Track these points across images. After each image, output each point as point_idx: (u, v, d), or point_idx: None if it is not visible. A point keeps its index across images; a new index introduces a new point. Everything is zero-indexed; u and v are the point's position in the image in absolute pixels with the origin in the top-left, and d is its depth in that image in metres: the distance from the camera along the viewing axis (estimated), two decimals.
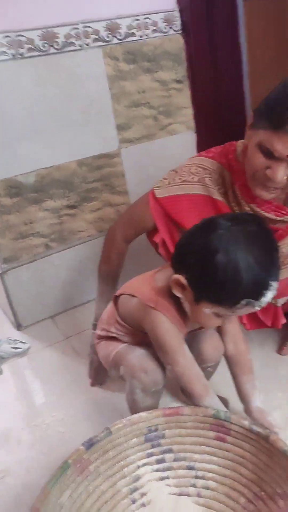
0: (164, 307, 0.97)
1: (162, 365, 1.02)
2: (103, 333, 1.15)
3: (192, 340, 1.11)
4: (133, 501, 0.92)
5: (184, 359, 0.98)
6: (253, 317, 1.31)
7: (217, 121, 1.81)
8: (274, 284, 0.85)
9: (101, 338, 1.17)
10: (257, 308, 0.87)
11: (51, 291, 1.71)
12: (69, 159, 1.60)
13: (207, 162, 1.22)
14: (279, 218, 1.16)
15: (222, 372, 1.17)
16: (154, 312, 0.97)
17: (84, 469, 0.89)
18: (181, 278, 0.91)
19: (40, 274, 1.67)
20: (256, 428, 0.87)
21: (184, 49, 1.70)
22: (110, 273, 1.35)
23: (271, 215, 1.16)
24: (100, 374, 1.35)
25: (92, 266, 1.71)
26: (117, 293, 1.11)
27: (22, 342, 1.59)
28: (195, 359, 1.07)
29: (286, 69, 1.68)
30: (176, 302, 0.97)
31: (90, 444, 0.89)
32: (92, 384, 1.37)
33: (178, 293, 0.93)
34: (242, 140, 1.21)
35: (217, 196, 1.18)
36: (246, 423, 0.88)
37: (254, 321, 1.32)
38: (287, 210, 1.15)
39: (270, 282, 0.85)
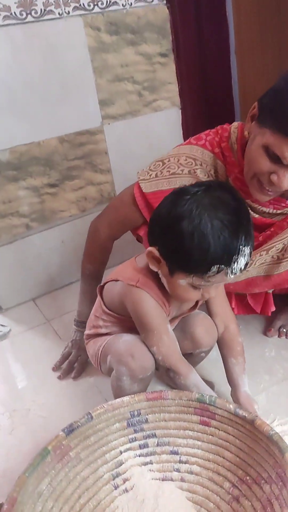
0: (146, 284, 0.95)
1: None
2: (91, 332, 1.12)
3: (185, 325, 1.09)
4: (116, 487, 0.91)
5: (168, 338, 0.97)
6: (242, 302, 1.29)
7: (203, 97, 1.76)
8: (246, 250, 0.83)
9: (89, 337, 1.13)
10: (232, 277, 0.85)
11: (32, 272, 1.67)
12: (49, 136, 1.54)
13: (198, 151, 1.14)
14: (278, 211, 1.12)
15: (208, 356, 1.16)
16: (136, 289, 0.95)
17: (64, 456, 0.87)
18: (154, 250, 0.90)
19: (20, 255, 1.62)
20: (241, 412, 0.85)
21: (169, 21, 1.64)
22: (93, 273, 1.29)
23: (269, 209, 1.12)
24: (75, 368, 1.31)
25: (75, 246, 1.67)
26: (102, 283, 1.09)
27: (2, 325, 1.55)
28: (189, 345, 1.06)
29: (274, 44, 1.63)
30: (158, 282, 0.95)
31: (70, 430, 0.87)
32: (61, 378, 1.31)
33: (154, 267, 0.92)
34: (236, 124, 1.14)
35: None
36: (231, 407, 0.86)
37: (243, 307, 1.30)
38: (287, 202, 1.11)
39: (240, 246, 0.82)
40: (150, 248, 0.90)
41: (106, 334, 1.09)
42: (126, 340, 1.00)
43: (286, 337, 1.35)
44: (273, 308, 1.29)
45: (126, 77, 1.63)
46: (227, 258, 0.82)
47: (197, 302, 1.06)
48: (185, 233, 0.82)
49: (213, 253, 0.81)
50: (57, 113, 1.53)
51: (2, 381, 1.38)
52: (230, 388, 1.07)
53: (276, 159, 0.95)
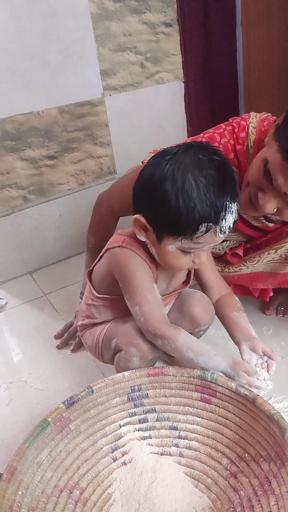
0: (132, 244, 0.92)
1: None
2: (85, 322, 1.09)
3: (182, 306, 1.07)
4: (114, 459, 0.91)
5: (153, 298, 0.92)
6: (242, 286, 1.28)
7: (207, 71, 1.72)
8: (233, 206, 0.81)
9: (84, 327, 1.10)
10: (221, 236, 0.83)
11: (29, 245, 1.65)
12: (49, 106, 1.50)
13: None
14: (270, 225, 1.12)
15: (206, 333, 1.15)
16: (121, 249, 0.92)
17: (64, 427, 0.87)
18: (140, 217, 0.86)
19: (17, 228, 1.59)
20: (243, 391, 0.85)
21: None
22: (95, 246, 1.26)
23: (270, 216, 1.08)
24: (75, 340, 1.31)
25: (73, 220, 1.65)
26: (90, 267, 1.05)
27: None
28: (187, 325, 1.04)
29: (280, 16, 1.59)
30: (145, 248, 0.92)
31: (70, 403, 0.87)
32: (59, 347, 1.31)
33: (141, 236, 0.88)
34: (255, 122, 1.05)
35: None
36: (232, 385, 0.86)
37: (243, 289, 1.30)
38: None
39: (226, 203, 0.80)
40: (136, 216, 0.87)
41: (102, 323, 1.06)
42: (135, 324, 0.95)
43: (283, 316, 1.35)
44: (271, 294, 1.29)
45: (129, 47, 1.58)
46: (214, 215, 0.79)
47: (189, 277, 1.03)
48: (169, 195, 0.79)
49: (200, 211, 0.79)
50: (57, 82, 1.48)
51: None
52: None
53: (270, 178, 0.91)
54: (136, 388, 0.91)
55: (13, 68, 1.40)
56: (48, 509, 0.81)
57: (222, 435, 0.89)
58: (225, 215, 0.80)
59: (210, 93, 1.72)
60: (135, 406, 0.92)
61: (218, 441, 0.89)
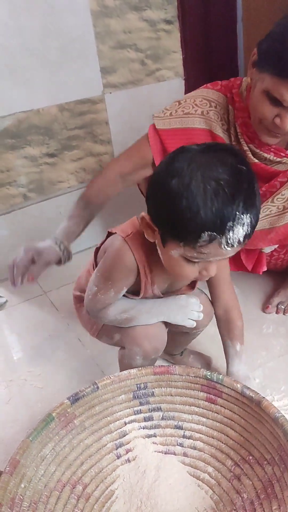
0: (134, 242, 0.86)
1: (164, 331, 0.97)
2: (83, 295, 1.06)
3: None
4: (118, 456, 0.92)
5: (114, 296, 0.90)
6: (235, 258, 1.28)
7: (207, 68, 1.72)
8: (245, 218, 0.71)
9: (81, 300, 1.06)
10: (228, 249, 0.73)
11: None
12: (49, 103, 1.49)
13: (214, 94, 1.16)
14: (277, 159, 1.13)
15: (207, 331, 1.15)
16: (122, 241, 0.87)
17: (68, 423, 0.88)
18: (146, 215, 0.79)
19: (17, 226, 1.58)
20: (248, 392, 0.85)
21: None
22: (90, 199, 1.22)
23: (270, 156, 1.13)
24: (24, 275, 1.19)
25: None
26: (99, 243, 1.00)
27: None
28: (185, 327, 0.98)
29: (281, 12, 1.58)
30: (150, 249, 0.86)
31: (75, 399, 0.87)
32: (15, 284, 1.18)
33: (149, 237, 0.82)
34: (247, 80, 1.16)
35: (219, 132, 1.14)
36: (238, 386, 0.86)
37: (235, 263, 1.30)
38: (286, 152, 1.13)
39: (237, 213, 0.70)
40: (143, 213, 0.80)
41: None
42: (140, 323, 0.94)
43: (283, 314, 1.36)
44: (265, 268, 1.29)
45: (129, 44, 1.57)
46: (220, 224, 0.70)
47: (194, 283, 0.99)
48: (173, 193, 0.71)
49: (203, 217, 0.70)
50: (57, 80, 1.47)
51: None
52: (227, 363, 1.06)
53: (277, 102, 0.97)
54: (142, 386, 0.91)
55: (13, 65, 1.39)
56: (50, 503, 0.81)
57: (227, 436, 0.89)
58: (233, 226, 0.71)
59: None
60: (141, 404, 0.92)
61: (222, 442, 0.89)
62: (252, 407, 0.85)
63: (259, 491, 0.81)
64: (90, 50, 1.50)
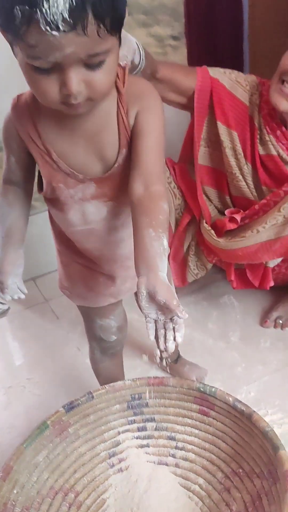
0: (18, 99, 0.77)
1: (117, 323, 0.98)
2: None
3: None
4: (111, 466, 0.93)
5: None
6: (241, 276, 1.30)
7: None
8: None
9: None
10: (52, 32, 0.56)
11: (33, 252, 1.66)
12: None
13: (257, 83, 1.22)
14: None
15: (202, 341, 1.15)
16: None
17: (63, 431, 0.89)
18: None
19: None
20: (240, 406, 0.86)
21: (183, 3, 1.61)
22: None
23: (284, 154, 1.15)
24: None
25: None
26: None
27: (1, 302, 1.54)
28: None
29: (286, 31, 1.62)
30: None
31: (70, 407, 0.89)
32: None
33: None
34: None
35: (255, 114, 1.18)
36: (230, 399, 0.87)
37: (242, 280, 1.31)
38: None
39: None
40: None
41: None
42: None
43: (281, 329, 1.36)
44: (272, 283, 1.28)
45: None
46: None
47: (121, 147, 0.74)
48: None
49: None
50: None
51: None
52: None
53: None
54: (137, 396, 0.92)
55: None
56: (42, 509, 0.83)
57: (219, 448, 0.90)
58: None
59: None
60: (135, 414, 0.93)
61: (214, 454, 0.90)
62: (243, 420, 0.86)
63: (247, 504, 0.81)
64: None
